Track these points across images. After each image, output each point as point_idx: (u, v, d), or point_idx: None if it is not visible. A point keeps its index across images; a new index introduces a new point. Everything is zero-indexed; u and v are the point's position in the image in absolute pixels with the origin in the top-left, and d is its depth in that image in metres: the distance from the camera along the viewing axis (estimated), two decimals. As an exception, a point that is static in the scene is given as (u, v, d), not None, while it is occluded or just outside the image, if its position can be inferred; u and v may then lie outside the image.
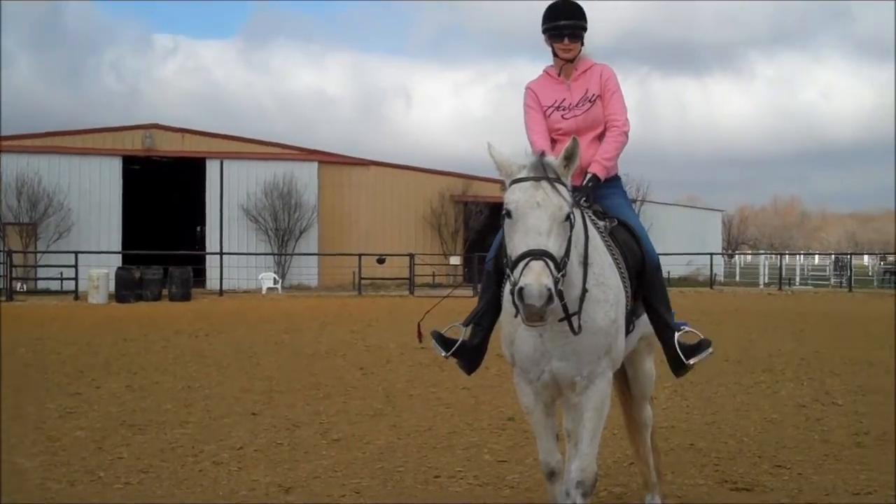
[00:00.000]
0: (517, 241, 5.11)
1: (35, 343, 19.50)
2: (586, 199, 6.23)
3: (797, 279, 56.36)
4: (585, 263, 5.63)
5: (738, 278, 62.88)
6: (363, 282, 43.35)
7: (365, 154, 54.85)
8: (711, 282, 49.36)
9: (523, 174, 5.28)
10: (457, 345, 6.21)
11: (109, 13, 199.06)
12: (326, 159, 51.86)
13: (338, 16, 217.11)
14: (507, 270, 5.21)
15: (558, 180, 5.26)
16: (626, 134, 6.70)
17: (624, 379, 7.11)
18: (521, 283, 4.89)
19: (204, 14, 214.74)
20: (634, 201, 58.75)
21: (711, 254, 52.11)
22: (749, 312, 29.78)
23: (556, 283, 4.94)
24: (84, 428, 10.60)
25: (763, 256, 66.91)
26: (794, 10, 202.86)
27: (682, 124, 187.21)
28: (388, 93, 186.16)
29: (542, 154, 5.36)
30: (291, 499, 7.73)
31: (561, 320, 5.45)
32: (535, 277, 4.86)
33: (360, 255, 43.53)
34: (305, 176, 49.92)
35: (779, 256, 59.22)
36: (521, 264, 4.97)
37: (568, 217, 5.17)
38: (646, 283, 6.37)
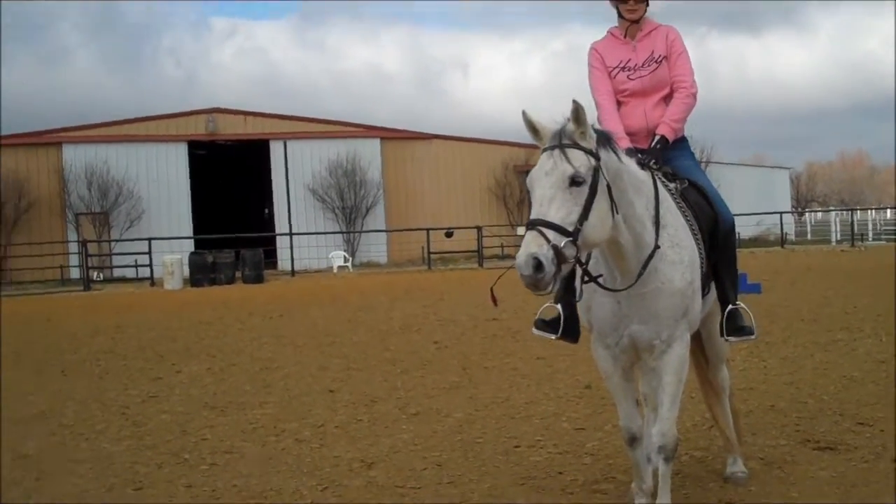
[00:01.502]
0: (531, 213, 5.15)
1: (114, 330, 19.85)
2: (655, 161, 6.22)
3: (870, 234, 55.54)
4: (657, 223, 5.64)
5: (809, 236, 62.16)
6: (432, 256, 43.50)
7: (426, 128, 55.00)
8: (783, 241, 48.89)
9: (544, 144, 5.26)
10: (562, 321, 6.27)
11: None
12: (388, 135, 52.08)
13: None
14: None
15: (573, 145, 5.16)
16: (693, 96, 6.69)
17: (699, 341, 7.09)
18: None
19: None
20: (700, 162, 58.10)
21: (781, 212, 51.57)
22: (822, 270, 29.45)
23: (555, 249, 4.86)
24: (167, 412, 10.79)
25: (834, 213, 65.99)
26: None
27: (744, 82, 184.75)
28: (445, 65, 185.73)
29: (569, 119, 5.24)
30: (374, 473, 7.82)
31: (586, 282, 5.55)
32: (523, 248, 4.87)
33: (427, 230, 43.64)
34: (368, 153, 50.19)
35: (850, 212, 58.36)
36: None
37: (574, 182, 5.06)
38: (718, 245, 6.35)
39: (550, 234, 4.90)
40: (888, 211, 74.55)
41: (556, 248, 4.86)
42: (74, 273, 41.72)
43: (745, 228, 46.61)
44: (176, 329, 19.69)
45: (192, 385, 12.50)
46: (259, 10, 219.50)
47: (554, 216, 4.97)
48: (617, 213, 5.31)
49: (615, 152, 5.41)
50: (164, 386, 12.52)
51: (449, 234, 43.67)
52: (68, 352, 16.58)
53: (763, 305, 17.94)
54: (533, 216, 5.01)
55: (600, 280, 5.63)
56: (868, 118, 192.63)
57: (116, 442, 9.37)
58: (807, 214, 76.50)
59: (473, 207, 52.06)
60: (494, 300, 5.81)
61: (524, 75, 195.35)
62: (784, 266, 31.92)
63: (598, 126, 5.48)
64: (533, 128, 5.34)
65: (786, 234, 51.70)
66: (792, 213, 68.42)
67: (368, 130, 52.12)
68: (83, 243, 40.04)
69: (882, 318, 15.99)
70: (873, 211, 70.02)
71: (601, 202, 5.17)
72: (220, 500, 7.28)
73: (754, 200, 55.22)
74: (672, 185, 6.18)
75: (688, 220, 6.00)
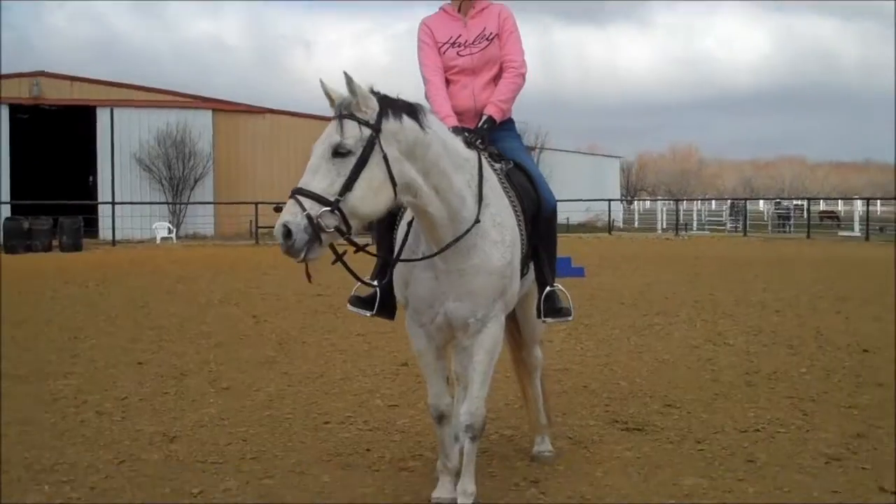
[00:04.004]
0: None
1: (-84, 295, 18.85)
2: (481, 140, 6.10)
3: (694, 224, 57.12)
4: (480, 201, 5.54)
5: (636, 224, 63.66)
6: (261, 230, 42.83)
7: (266, 103, 54.20)
8: (610, 227, 49.85)
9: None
10: (377, 299, 6.13)
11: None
12: (221, 107, 51.15)
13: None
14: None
15: (349, 116, 5.08)
16: (522, 76, 6.57)
17: (513, 321, 7.01)
18: None
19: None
20: (533, 149, 58.95)
21: (609, 200, 52.57)
22: (646, 257, 30.05)
23: (309, 217, 4.84)
24: (-38, 381, 10.22)
25: (661, 202, 67.72)
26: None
27: (585, 73, 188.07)
28: (287, 41, 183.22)
29: (350, 90, 5.13)
30: (175, 447, 7.52)
31: (356, 251, 5.40)
32: (280, 217, 4.89)
33: (256, 204, 42.89)
34: (200, 124, 49.19)
35: (675, 202, 59.96)
36: None
37: (338, 151, 5.00)
38: (539, 228, 6.25)
39: (307, 202, 4.87)
40: (713, 202, 77.04)
41: (309, 217, 4.83)
42: None
43: (574, 214, 47.47)
44: (-17, 296, 18.82)
45: (-8, 354, 11.90)
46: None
47: (315, 186, 4.93)
48: (396, 183, 5.17)
49: (418, 121, 5.28)
50: (-37, 354, 11.88)
51: (278, 209, 42.89)
52: None
53: (586, 289, 18.18)
54: (297, 185, 4.97)
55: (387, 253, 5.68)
56: (701, 113, 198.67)
57: None
58: (635, 203, 78.33)
59: (306, 183, 51.48)
60: (308, 276, 5.64)
61: (368, 54, 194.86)
62: (610, 252, 32.47)
63: (387, 95, 5.30)
64: (329, 97, 5.19)
65: (613, 220, 52.73)
66: (621, 200, 69.89)
67: (201, 101, 51.03)
68: None
69: (698, 304, 16.38)
70: (699, 202, 72.16)
71: (374, 173, 5.06)
72: (7, 475, 6.86)
73: (586, 187, 56.39)
74: (498, 166, 6.06)
75: (511, 201, 5.90)
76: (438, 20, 6.66)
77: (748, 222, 51.17)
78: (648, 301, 16.90)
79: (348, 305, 6.38)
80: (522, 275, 6.07)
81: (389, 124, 5.13)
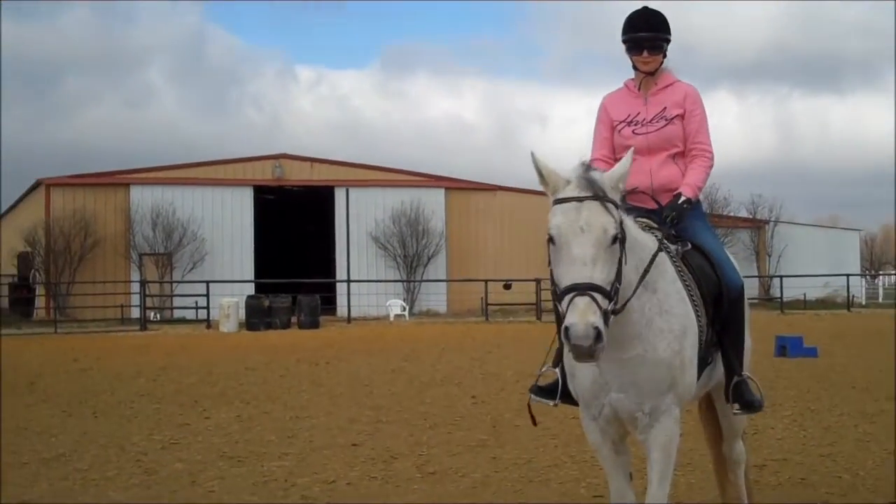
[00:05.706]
0: (562, 272, 4.76)
1: (158, 373, 19.76)
2: (678, 217, 5.93)
3: (942, 299, 54.25)
4: (637, 286, 5.28)
5: (881, 299, 60.87)
6: (492, 307, 43.20)
7: (500, 179, 55.03)
8: (849, 304, 47.75)
9: (567, 193, 4.90)
10: (559, 389, 5.93)
11: (252, 44, 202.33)
12: (453, 185, 52.10)
13: (471, 44, 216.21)
14: (554, 301, 4.93)
15: (606, 198, 4.86)
16: (712, 165, 6.37)
17: (713, 413, 6.74)
18: (566, 322, 4.57)
19: (342, 44, 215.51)
20: (768, 222, 57.53)
21: (848, 275, 50.40)
22: (886, 335, 28.62)
23: (605, 315, 4.59)
24: (183, 460, 10.56)
25: (906, 276, 64.64)
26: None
27: (825, 143, 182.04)
28: (524, 117, 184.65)
29: (588, 167, 4.98)
30: (373, 536, 7.54)
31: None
32: (580, 316, 4.52)
33: (486, 281, 43.36)
34: (433, 202, 50.25)
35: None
36: (567, 299, 4.63)
37: (615, 239, 4.78)
38: (723, 313, 5.96)
39: (599, 298, 4.63)
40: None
41: (606, 315, 4.63)
42: (135, 312, 41.86)
43: (811, 290, 45.72)
44: (218, 373, 19.56)
45: (216, 432, 12.29)
46: (343, 60, 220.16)
47: (598, 278, 4.68)
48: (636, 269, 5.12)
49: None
50: (189, 432, 12.32)
51: (507, 286, 43.34)
52: (106, 392, 16.50)
53: (817, 370, 17.49)
54: (577, 279, 4.66)
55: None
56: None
57: (123, 490, 9.15)
58: (881, 277, 75.05)
59: (535, 259, 51.61)
60: (533, 420, 5.67)
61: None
62: (848, 330, 31.16)
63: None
64: (543, 172, 5.02)
65: (853, 296, 50.49)
66: (862, 275, 67.00)
67: (434, 180, 52.20)
68: (143, 283, 40.40)
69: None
70: (947, 275, 68.39)
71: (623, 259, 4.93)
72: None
73: (823, 262, 54.33)
74: (673, 248, 5.82)
75: (686, 285, 5.65)
76: (618, 98, 6.53)
77: None
78: (881, 385, 16.01)
79: (531, 395, 6.21)
80: (707, 364, 5.83)
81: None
